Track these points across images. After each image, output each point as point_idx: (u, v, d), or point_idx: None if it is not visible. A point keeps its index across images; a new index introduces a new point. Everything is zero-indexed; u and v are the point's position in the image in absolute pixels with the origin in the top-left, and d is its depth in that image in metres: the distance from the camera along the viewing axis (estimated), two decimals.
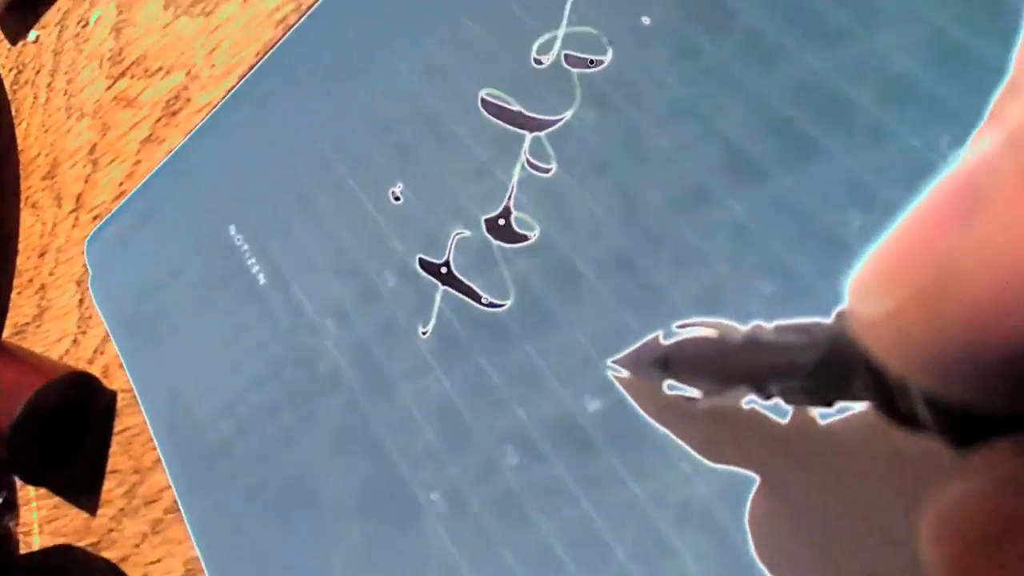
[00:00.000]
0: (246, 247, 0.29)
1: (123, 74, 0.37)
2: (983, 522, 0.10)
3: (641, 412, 0.20)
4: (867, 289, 0.10)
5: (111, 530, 0.32)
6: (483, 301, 0.24)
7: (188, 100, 0.34)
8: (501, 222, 0.24)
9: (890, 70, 0.19)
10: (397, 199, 0.26)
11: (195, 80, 0.34)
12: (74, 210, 0.37)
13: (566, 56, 0.24)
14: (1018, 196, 0.08)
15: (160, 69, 0.35)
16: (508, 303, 0.23)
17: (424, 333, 0.24)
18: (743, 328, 0.16)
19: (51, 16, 0.41)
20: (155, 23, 0.36)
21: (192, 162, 0.32)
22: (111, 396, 0.34)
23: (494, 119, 0.25)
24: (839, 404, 0.15)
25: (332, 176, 0.27)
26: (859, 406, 0.14)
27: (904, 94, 0.19)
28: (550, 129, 0.24)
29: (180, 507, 0.28)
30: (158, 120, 0.35)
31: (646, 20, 0.23)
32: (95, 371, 0.34)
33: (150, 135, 0.35)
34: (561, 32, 0.24)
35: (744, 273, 0.20)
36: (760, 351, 0.16)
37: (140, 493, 0.32)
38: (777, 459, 0.18)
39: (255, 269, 0.28)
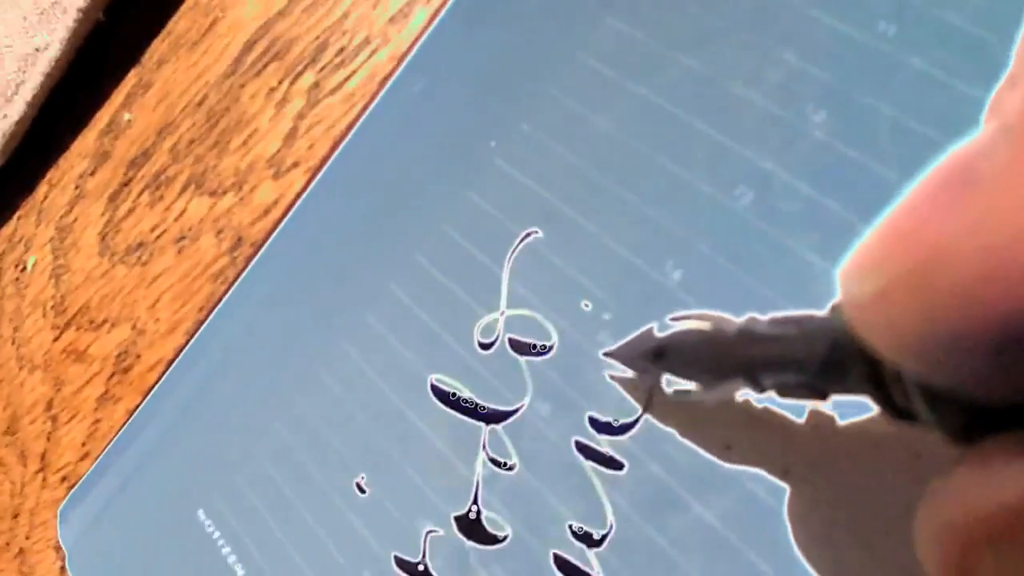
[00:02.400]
0: (218, 534, 0.30)
1: (68, 324, 0.38)
2: (979, 518, 0.10)
3: None
4: (857, 271, 0.11)
5: None
6: None
7: (138, 356, 0.35)
8: (471, 517, 0.25)
9: None
10: (363, 491, 0.27)
11: (141, 335, 0.35)
12: (40, 470, 0.38)
13: (511, 340, 0.25)
14: (1010, 181, 0.09)
15: (105, 322, 0.36)
16: None
17: None
18: (737, 320, 0.17)
19: None
20: (93, 271, 0.37)
21: (151, 435, 0.33)
22: None
23: (447, 408, 0.25)
24: (834, 397, 0.15)
25: (292, 462, 0.28)
26: (854, 398, 0.15)
27: None
28: (507, 421, 0.24)
29: None
30: (111, 377, 0.35)
31: (586, 305, 0.24)
32: None
33: (105, 392, 0.36)
34: (502, 315, 0.25)
35: None
36: (755, 343, 0.16)
37: None
38: (793, 457, 0.19)
39: (231, 560, 0.29)
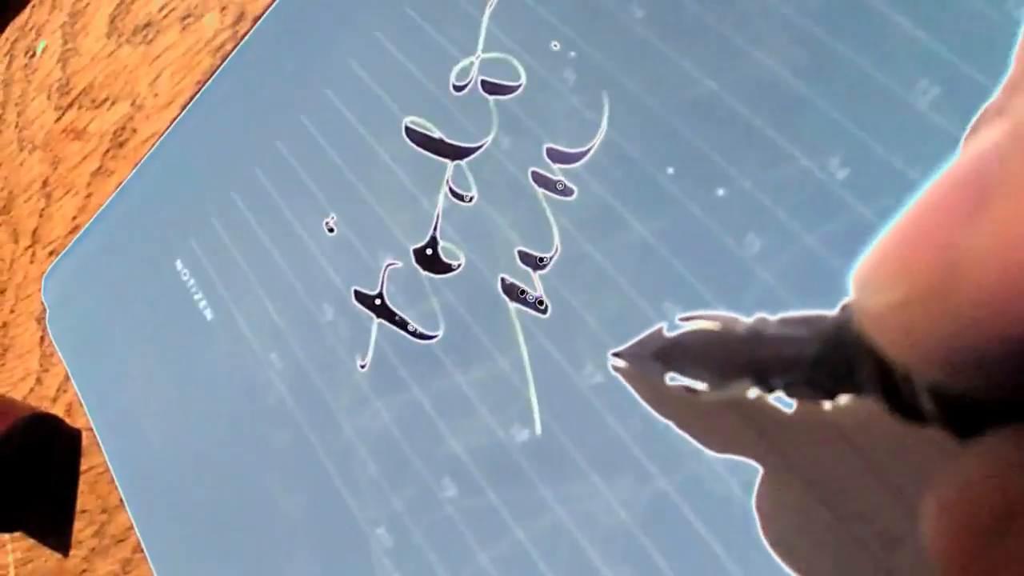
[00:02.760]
0: (192, 281, 0.31)
1: (71, 105, 0.39)
2: (986, 507, 0.10)
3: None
4: (873, 280, 0.11)
5: (84, 570, 0.34)
6: (415, 332, 0.25)
7: (134, 131, 0.36)
8: (429, 252, 0.26)
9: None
10: (331, 230, 0.28)
11: (140, 110, 0.36)
12: (30, 246, 0.39)
13: (483, 82, 0.26)
14: None
15: (106, 99, 0.37)
16: (439, 334, 0.25)
17: (363, 366, 0.26)
18: (747, 320, 0.17)
19: None
20: (100, 52, 0.38)
21: (138, 197, 0.34)
22: (75, 435, 0.36)
23: (418, 147, 0.26)
24: (842, 396, 0.16)
25: (268, 205, 0.29)
26: (862, 398, 0.14)
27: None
28: (470, 157, 0.25)
29: (144, 548, 0.30)
30: (107, 152, 0.37)
31: (555, 45, 0.25)
32: (59, 409, 0.37)
33: (100, 167, 0.37)
34: (477, 58, 0.26)
35: (651, 293, 0.22)
36: (764, 343, 0.17)
37: (109, 532, 0.34)
38: (781, 448, 0.19)
39: (202, 304, 0.31)
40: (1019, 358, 0.09)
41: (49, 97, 0.40)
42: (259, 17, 0.33)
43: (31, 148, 0.40)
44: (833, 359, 0.15)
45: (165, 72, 0.35)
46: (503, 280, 0.24)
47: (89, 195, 0.37)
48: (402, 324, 0.26)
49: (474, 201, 0.25)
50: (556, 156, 0.24)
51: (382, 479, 0.25)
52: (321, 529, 0.26)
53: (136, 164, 0.35)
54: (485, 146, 0.25)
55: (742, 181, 0.21)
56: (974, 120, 0.15)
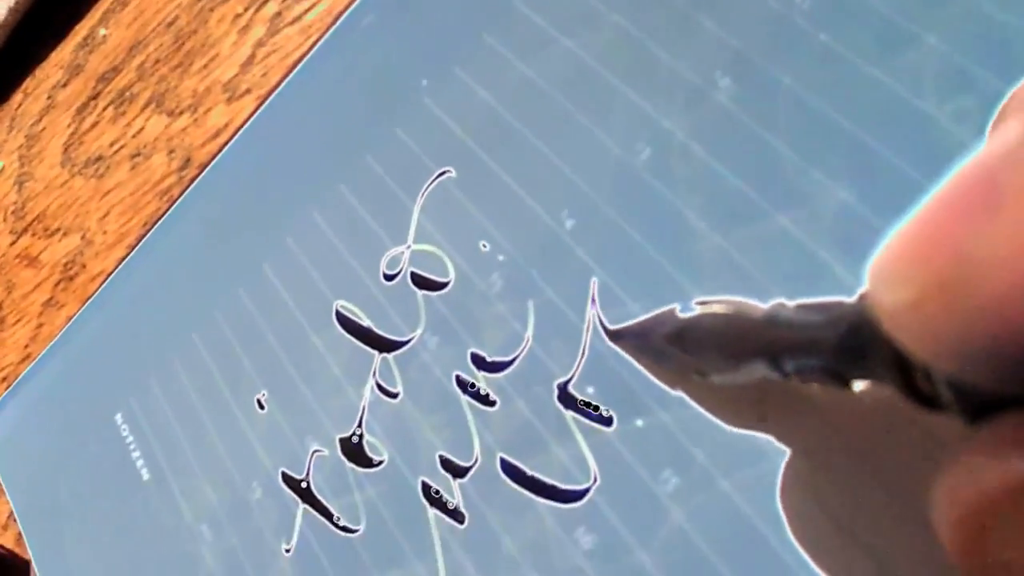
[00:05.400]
0: (131, 439, 0.31)
1: (25, 230, 0.39)
2: (994, 489, 0.10)
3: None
4: (888, 276, 0.11)
5: None
6: (338, 524, 0.25)
7: (83, 266, 0.36)
8: (354, 441, 0.25)
9: None
10: (262, 407, 0.27)
11: (89, 245, 0.36)
12: None
13: (412, 274, 0.25)
14: None
15: (58, 230, 0.37)
16: (360, 529, 0.25)
17: (287, 551, 0.26)
18: (763, 306, 0.17)
19: None
20: (54, 180, 0.38)
21: (84, 341, 0.34)
22: (25, 567, 0.36)
23: (347, 334, 0.26)
24: (857, 383, 0.16)
25: (203, 373, 0.29)
26: (877, 384, 0.14)
27: None
28: (397, 352, 0.25)
29: None
30: (57, 283, 0.36)
31: (484, 246, 0.24)
32: (10, 537, 0.36)
33: (50, 299, 0.37)
34: (408, 249, 0.26)
35: (567, 520, 0.21)
36: (779, 327, 0.16)
37: None
38: (802, 426, 0.19)
39: (140, 463, 0.30)
40: None
41: (5, 220, 0.40)
42: (204, 165, 0.32)
43: None
44: (849, 345, 0.15)
45: (114, 210, 0.35)
46: (424, 483, 0.24)
47: (40, 325, 0.37)
48: (326, 513, 0.25)
49: (399, 398, 0.25)
50: (480, 363, 0.24)
51: None
52: None
53: (84, 300, 0.35)
54: (412, 342, 0.25)
55: (661, 414, 0.21)
56: (999, 108, 0.14)
